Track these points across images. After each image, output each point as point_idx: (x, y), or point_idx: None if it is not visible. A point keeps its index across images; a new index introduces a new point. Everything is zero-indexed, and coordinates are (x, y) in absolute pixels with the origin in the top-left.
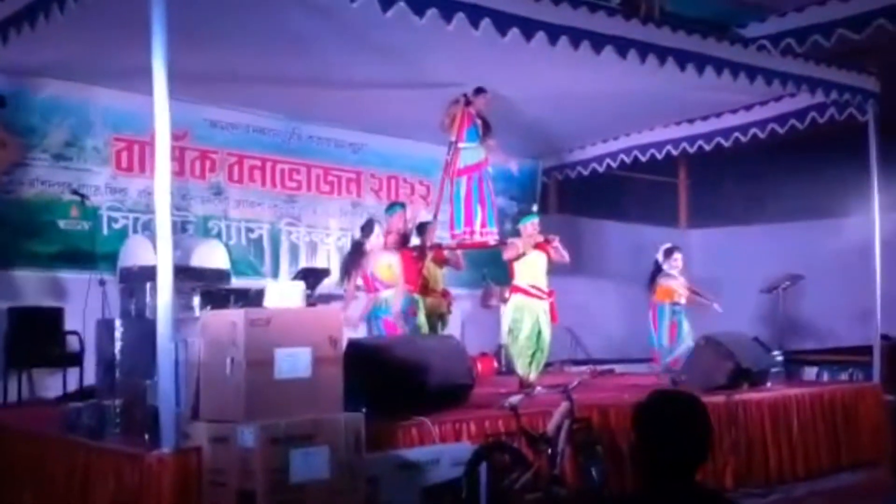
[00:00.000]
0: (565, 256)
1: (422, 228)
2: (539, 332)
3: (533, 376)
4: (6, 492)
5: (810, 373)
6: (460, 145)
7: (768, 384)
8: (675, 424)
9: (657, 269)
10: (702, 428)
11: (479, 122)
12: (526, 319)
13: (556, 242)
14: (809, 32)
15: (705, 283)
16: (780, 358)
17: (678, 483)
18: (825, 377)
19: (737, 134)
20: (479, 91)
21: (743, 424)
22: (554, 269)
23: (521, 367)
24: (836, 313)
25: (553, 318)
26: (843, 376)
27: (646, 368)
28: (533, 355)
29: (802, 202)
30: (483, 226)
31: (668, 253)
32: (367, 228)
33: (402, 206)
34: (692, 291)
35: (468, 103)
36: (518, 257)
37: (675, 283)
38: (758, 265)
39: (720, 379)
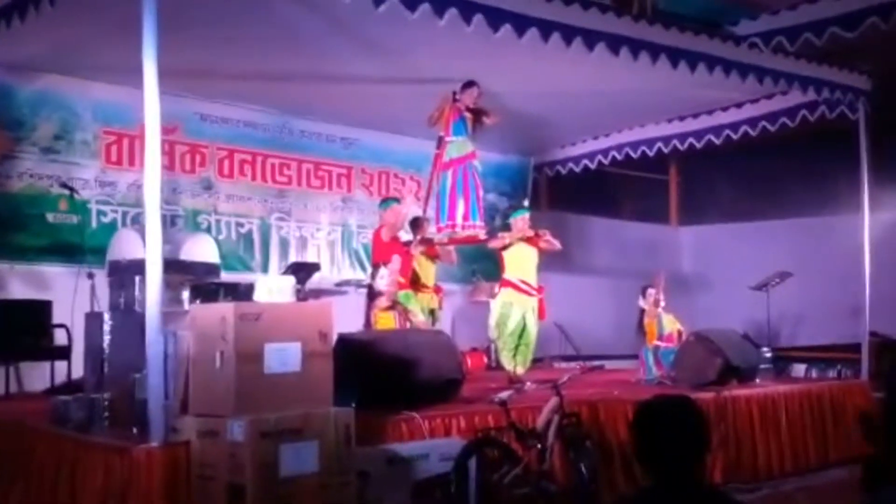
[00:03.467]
0: (556, 245)
1: (415, 223)
2: (524, 327)
3: (519, 371)
4: None
5: (799, 369)
6: (447, 139)
7: (757, 381)
8: (672, 427)
9: (641, 313)
10: (697, 428)
11: (467, 115)
12: (513, 314)
13: (548, 235)
14: (801, 30)
15: (695, 279)
16: (769, 355)
17: (681, 483)
18: (814, 374)
19: (728, 131)
20: (468, 85)
21: (731, 420)
22: (544, 265)
23: (506, 362)
24: (826, 310)
25: (541, 314)
26: (832, 373)
27: (634, 365)
28: (516, 348)
29: (793, 200)
30: (465, 219)
31: (643, 292)
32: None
33: (397, 200)
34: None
35: (456, 98)
36: (504, 248)
37: (651, 317)
38: (748, 262)
39: (709, 375)
